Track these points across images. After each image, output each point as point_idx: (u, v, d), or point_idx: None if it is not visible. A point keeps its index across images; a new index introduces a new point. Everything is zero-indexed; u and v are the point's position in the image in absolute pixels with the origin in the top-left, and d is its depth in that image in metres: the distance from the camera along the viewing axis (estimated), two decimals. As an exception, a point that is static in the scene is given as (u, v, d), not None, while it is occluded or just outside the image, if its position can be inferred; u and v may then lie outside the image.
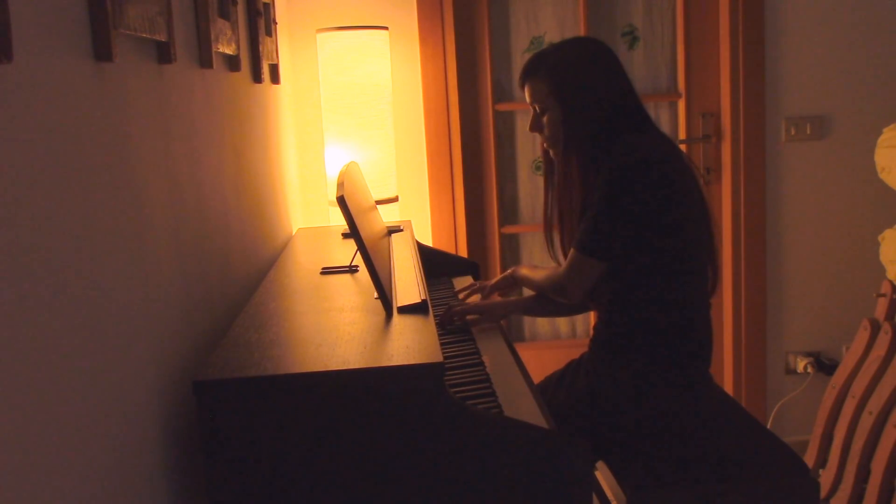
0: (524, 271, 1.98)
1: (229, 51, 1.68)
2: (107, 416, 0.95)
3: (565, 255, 1.86)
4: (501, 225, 3.01)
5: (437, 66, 2.82)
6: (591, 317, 2.93)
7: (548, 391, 1.88)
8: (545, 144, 1.84)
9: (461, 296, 2.08)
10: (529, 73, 1.78)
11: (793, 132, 2.93)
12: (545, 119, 1.78)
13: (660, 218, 1.66)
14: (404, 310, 1.47)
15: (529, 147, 3.01)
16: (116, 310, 1.00)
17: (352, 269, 1.82)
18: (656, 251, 1.68)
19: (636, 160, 1.65)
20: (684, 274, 1.70)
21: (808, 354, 3.05)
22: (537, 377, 1.82)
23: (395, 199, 2.68)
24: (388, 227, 2.25)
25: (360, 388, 1.21)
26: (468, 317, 1.88)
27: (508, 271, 2.04)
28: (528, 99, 1.81)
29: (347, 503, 1.23)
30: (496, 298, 2.06)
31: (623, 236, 1.67)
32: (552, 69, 1.75)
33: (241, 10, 1.86)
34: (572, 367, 1.90)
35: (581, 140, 1.74)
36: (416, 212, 2.88)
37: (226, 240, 1.63)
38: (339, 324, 1.42)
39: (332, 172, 2.59)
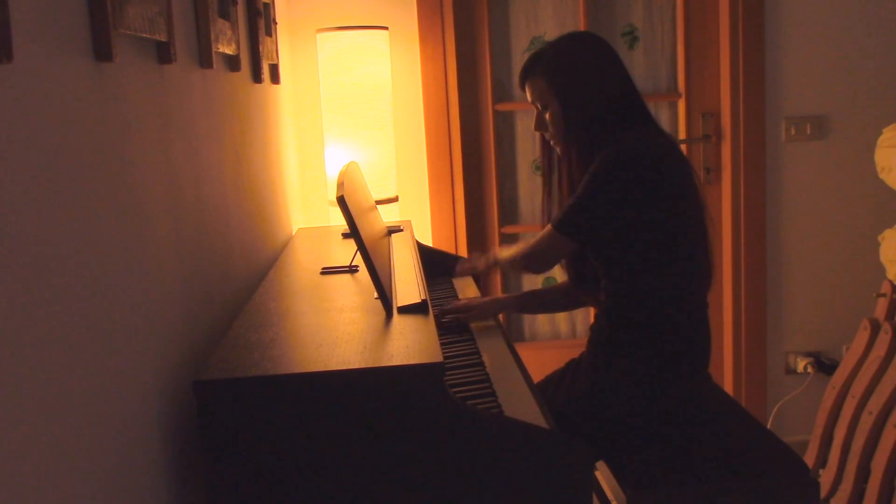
0: (502, 255, 1.96)
1: (229, 51, 1.68)
2: (107, 415, 0.95)
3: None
4: (501, 225, 3.01)
5: (437, 66, 2.82)
6: (591, 316, 2.93)
7: (548, 391, 1.88)
8: (551, 143, 1.85)
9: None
10: (528, 71, 1.80)
11: (793, 132, 2.93)
12: (547, 116, 1.79)
13: (644, 212, 1.67)
14: (404, 310, 1.47)
15: (529, 147, 3.01)
16: (116, 310, 1.00)
17: (352, 269, 1.82)
18: (648, 248, 1.68)
19: (629, 154, 1.67)
20: (680, 272, 1.71)
21: (808, 354, 3.05)
22: (537, 377, 1.82)
23: (395, 199, 2.68)
24: (388, 227, 2.25)
25: (360, 388, 1.21)
26: (459, 316, 1.89)
27: (492, 261, 2.01)
28: (529, 98, 1.83)
29: (347, 503, 1.23)
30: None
31: (599, 222, 1.69)
32: (548, 65, 1.76)
33: (241, 10, 1.86)
34: (572, 367, 1.90)
35: (581, 135, 1.75)
36: (416, 212, 2.88)
37: (226, 240, 1.63)
38: (339, 324, 1.42)
39: (332, 172, 2.59)
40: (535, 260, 1.81)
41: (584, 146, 1.75)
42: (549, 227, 1.76)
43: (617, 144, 1.69)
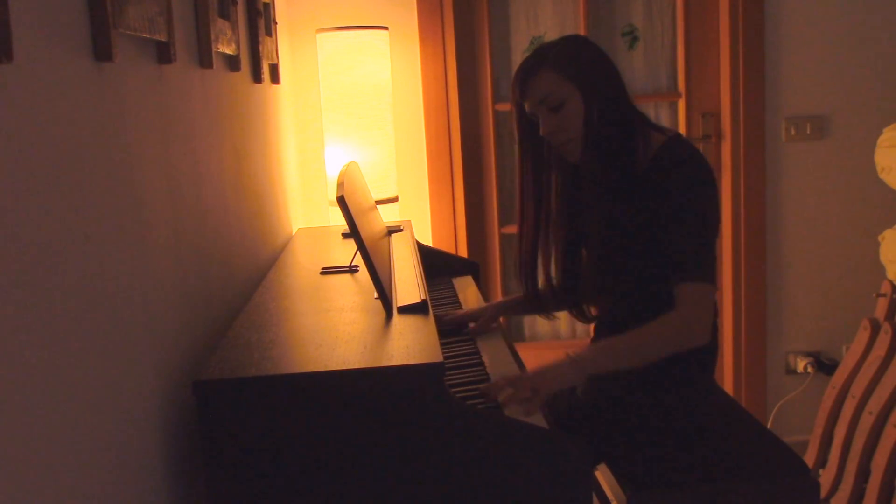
0: (597, 356, 1.53)
1: (229, 51, 1.68)
2: (107, 415, 0.95)
3: (560, 269, 1.79)
4: (501, 225, 3.01)
5: (437, 66, 2.82)
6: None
7: (548, 392, 1.87)
8: (561, 149, 1.67)
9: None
10: (533, 68, 1.66)
11: (793, 132, 2.93)
12: (563, 110, 1.62)
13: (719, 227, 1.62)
14: (404, 310, 1.47)
15: (529, 147, 3.00)
16: (116, 310, 1.00)
17: (352, 269, 1.82)
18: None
19: (706, 170, 1.58)
20: None
21: (808, 354, 3.05)
22: (537, 377, 1.82)
23: (395, 199, 2.68)
24: (388, 227, 2.25)
25: (360, 388, 1.21)
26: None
27: (564, 365, 1.48)
28: (533, 101, 1.66)
29: (347, 503, 1.23)
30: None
31: (714, 253, 1.56)
32: (560, 55, 1.64)
33: (241, 10, 1.86)
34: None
35: (608, 124, 1.61)
36: (416, 212, 2.88)
37: (226, 240, 1.63)
38: (338, 324, 1.42)
39: (332, 172, 2.59)
40: (700, 330, 1.52)
41: (609, 139, 1.61)
42: (687, 285, 1.51)
43: (679, 154, 1.58)
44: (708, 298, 1.53)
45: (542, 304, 1.87)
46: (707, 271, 1.53)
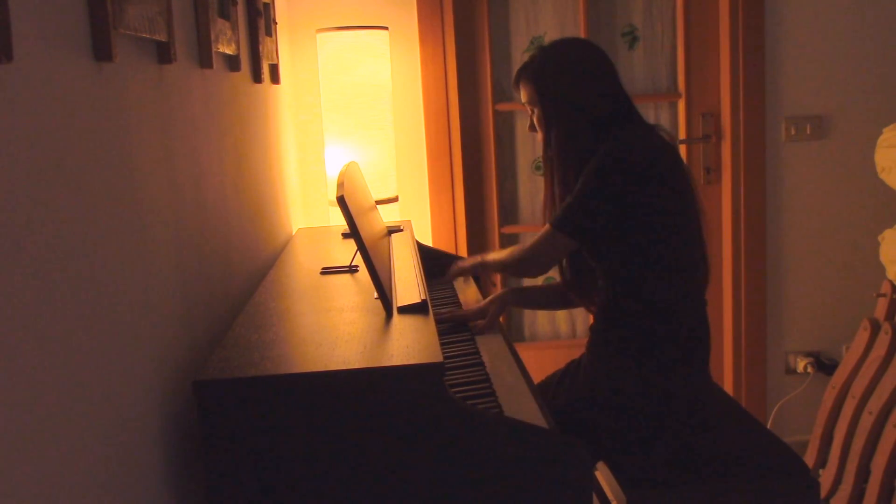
0: (491, 257, 1.96)
1: (229, 51, 1.68)
2: (107, 415, 0.95)
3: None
4: (501, 225, 3.01)
5: (437, 66, 2.82)
6: (591, 317, 2.93)
7: (548, 392, 1.88)
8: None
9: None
10: (520, 75, 1.84)
11: (793, 132, 2.93)
12: (534, 115, 1.83)
13: (640, 209, 1.67)
14: (404, 310, 1.47)
15: (529, 147, 3.01)
16: (116, 310, 1.00)
17: (352, 269, 1.82)
18: (645, 247, 1.68)
19: (623, 150, 1.68)
20: (677, 273, 1.71)
21: (808, 354, 3.05)
22: (537, 377, 1.82)
23: (395, 199, 2.68)
24: (388, 227, 2.25)
25: (360, 388, 1.21)
26: (472, 324, 1.86)
27: (478, 262, 1.97)
28: (522, 100, 1.87)
29: (347, 503, 1.23)
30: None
31: (598, 219, 1.68)
32: (535, 71, 1.80)
33: (241, 10, 1.86)
34: (572, 369, 1.90)
35: (559, 138, 1.77)
36: (416, 212, 2.88)
37: (226, 240, 1.63)
38: (339, 324, 1.42)
39: (332, 172, 2.59)
40: (532, 263, 1.80)
41: (561, 149, 1.77)
42: (547, 227, 1.75)
43: (613, 141, 1.69)
44: (553, 243, 1.73)
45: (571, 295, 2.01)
46: (568, 224, 1.70)
